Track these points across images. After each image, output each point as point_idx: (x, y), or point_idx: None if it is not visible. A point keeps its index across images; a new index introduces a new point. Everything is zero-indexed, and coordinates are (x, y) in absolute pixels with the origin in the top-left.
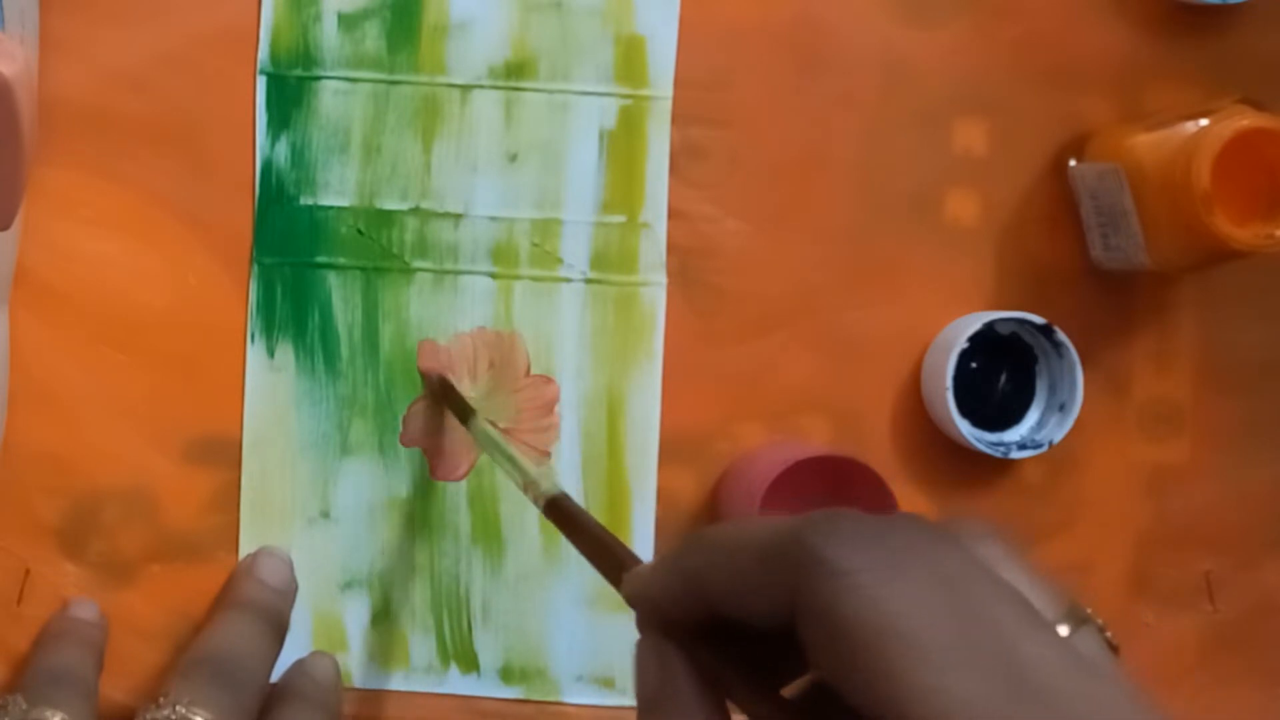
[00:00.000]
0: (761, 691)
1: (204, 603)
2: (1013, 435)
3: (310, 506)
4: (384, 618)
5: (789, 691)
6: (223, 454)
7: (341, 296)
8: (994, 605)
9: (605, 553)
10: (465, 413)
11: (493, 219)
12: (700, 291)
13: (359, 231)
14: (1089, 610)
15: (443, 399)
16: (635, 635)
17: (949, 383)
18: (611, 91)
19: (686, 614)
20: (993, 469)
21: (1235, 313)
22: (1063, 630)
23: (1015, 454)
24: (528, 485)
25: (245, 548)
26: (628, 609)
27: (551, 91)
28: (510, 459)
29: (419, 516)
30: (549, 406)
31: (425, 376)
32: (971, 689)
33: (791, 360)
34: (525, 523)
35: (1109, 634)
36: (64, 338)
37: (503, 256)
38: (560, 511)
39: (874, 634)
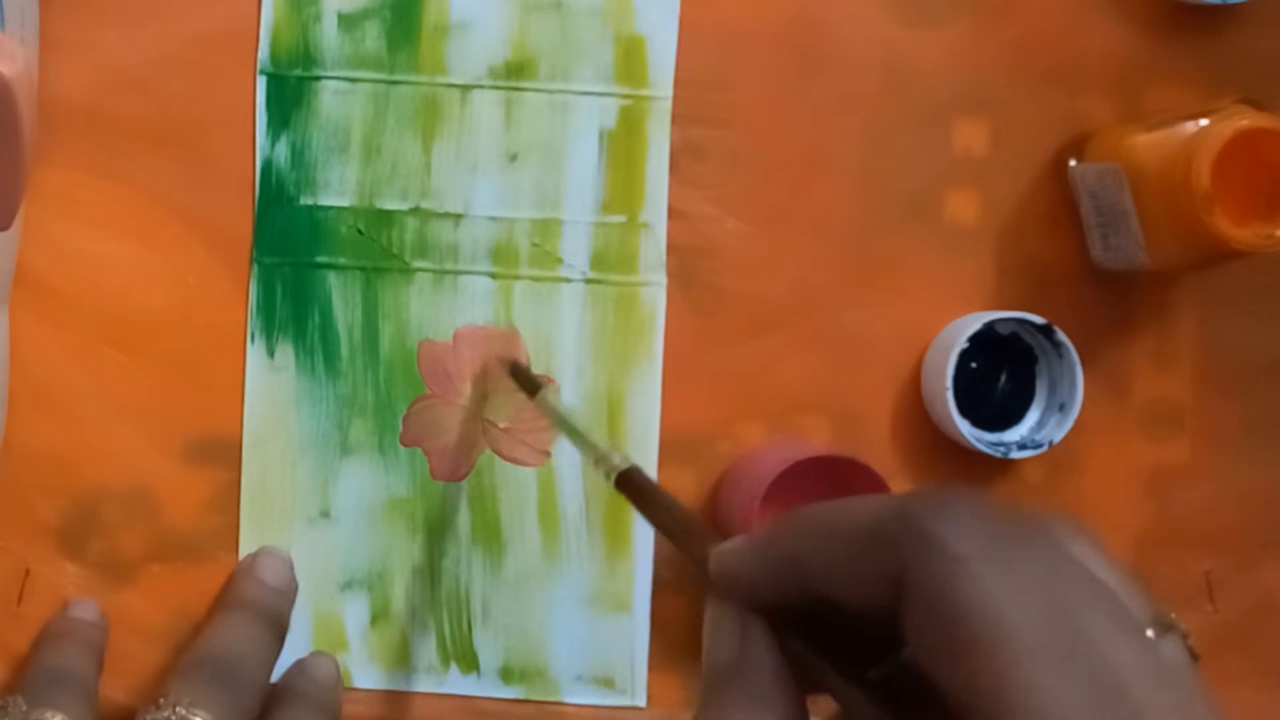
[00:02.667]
0: (850, 674)
1: (204, 603)
2: (1013, 435)
3: (310, 506)
4: (384, 618)
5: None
6: (223, 454)
7: (341, 296)
8: (1091, 606)
9: (682, 527)
10: (534, 385)
11: (493, 219)
12: (700, 291)
13: (359, 231)
14: (1173, 615)
15: (511, 376)
16: (711, 604)
17: (949, 383)
18: (611, 91)
19: (777, 595)
20: (993, 469)
21: (1235, 313)
22: (1149, 633)
23: (1015, 454)
24: (598, 460)
25: (245, 548)
26: (628, 609)
27: (551, 91)
28: (579, 434)
29: (419, 516)
30: None
31: (490, 363)
32: (1068, 692)
33: (791, 360)
34: (525, 523)
35: (1190, 641)
36: (64, 338)
37: (503, 256)
38: (632, 485)
39: (985, 624)
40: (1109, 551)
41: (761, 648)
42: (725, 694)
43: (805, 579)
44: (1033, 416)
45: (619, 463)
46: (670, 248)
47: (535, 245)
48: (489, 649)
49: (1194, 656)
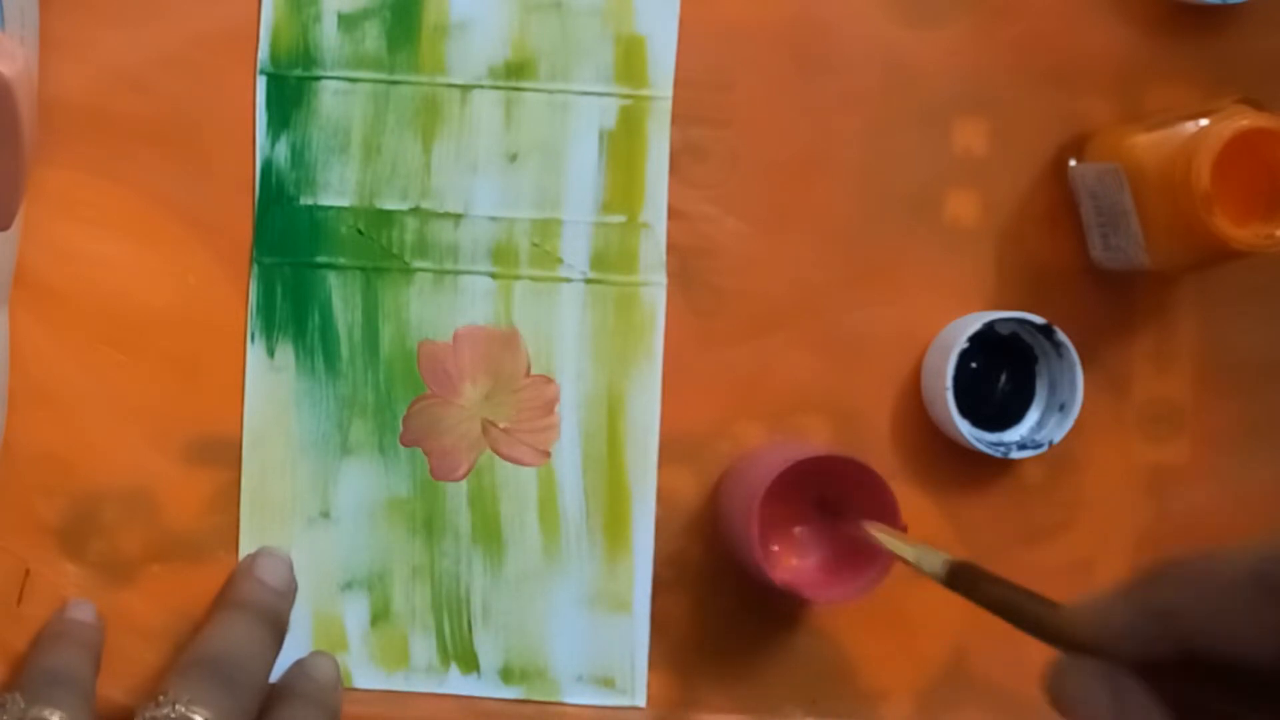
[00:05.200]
0: None
1: (204, 603)
2: (1013, 435)
3: (310, 506)
4: (384, 618)
5: None
6: (223, 454)
7: (341, 296)
8: None
9: (1026, 614)
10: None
11: (493, 219)
12: (700, 291)
13: (359, 231)
14: None
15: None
16: (1067, 662)
17: (949, 383)
18: (611, 91)
19: (1148, 652)
20: (993, 469)
21: (1235, 313)
22: None
23: (1015, 454)
24: (921, 561)
25: (245, 548)
26: (628, 609)
27: (551, 91)
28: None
29: (419, 516)
30: (549, 406)
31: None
32: None
33: (791, 360)
34: (525, 523)
35: None
36: (64, 338)
37: (503, 256)
38: (966, 579)
39: None
40: None
41: (1141, 704)
42: None
43: (1181, 633)
44: (1033, 416)
45: (945, 563)
46: (670, 248)
47: (535, 245)
48: (489, 649)
49: None
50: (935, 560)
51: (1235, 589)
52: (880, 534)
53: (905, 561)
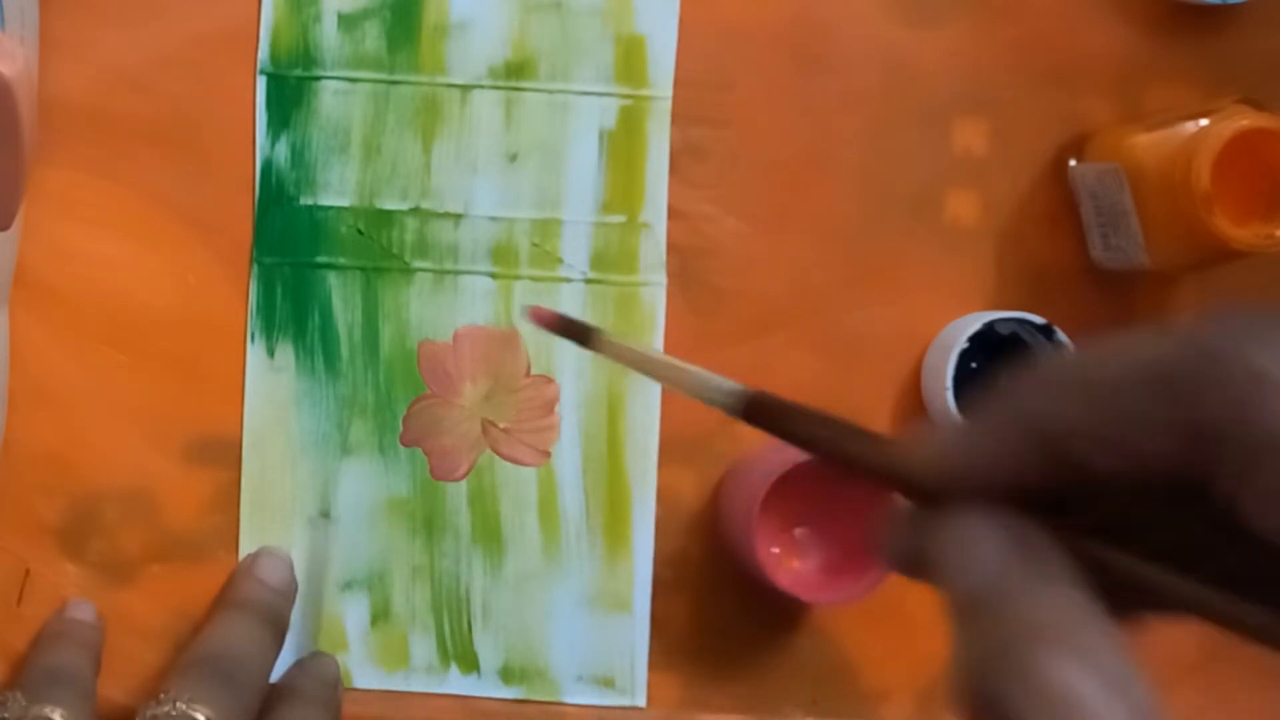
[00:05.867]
0: (1149, 561)
1: (204, 603)
2: None
3: (310, 506)
4: (384, 618)
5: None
6: (223, 454)
7: (341, 296)
8: None
9: (853, 445)
10: (587, 334)
11: (493, 219)
12: (700, 291)
13: (359, 231)
14: None
15: (562, 334)
16: (938, 518)
17: (949, 383)
18: (611, 91)
19: (1016, 478)
20: None
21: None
22: None
23: None
24: (703, 391)
25: (245, 548)
26: (628, 609)
27: (551, 91)
28: (673, 369)
29: (419, 516)
30: (549, 406)
31: (539, 323)
32: None
33: (791, 360)
34: (525, 523)
35: None
36: (64, 338)
37: (503, 256)
38: (765, 412)
39: None
40: None
41: (1047, 551)
42: (1022, 613)
43: (1058, 450)
44: None
45: (734, 387)
46: (670, 248)
47: (535, 245)
48: (489, 649)
49: None
50: (723, 390)
51: (1118, 387)
52: (640, 351)
53: (678, 386)
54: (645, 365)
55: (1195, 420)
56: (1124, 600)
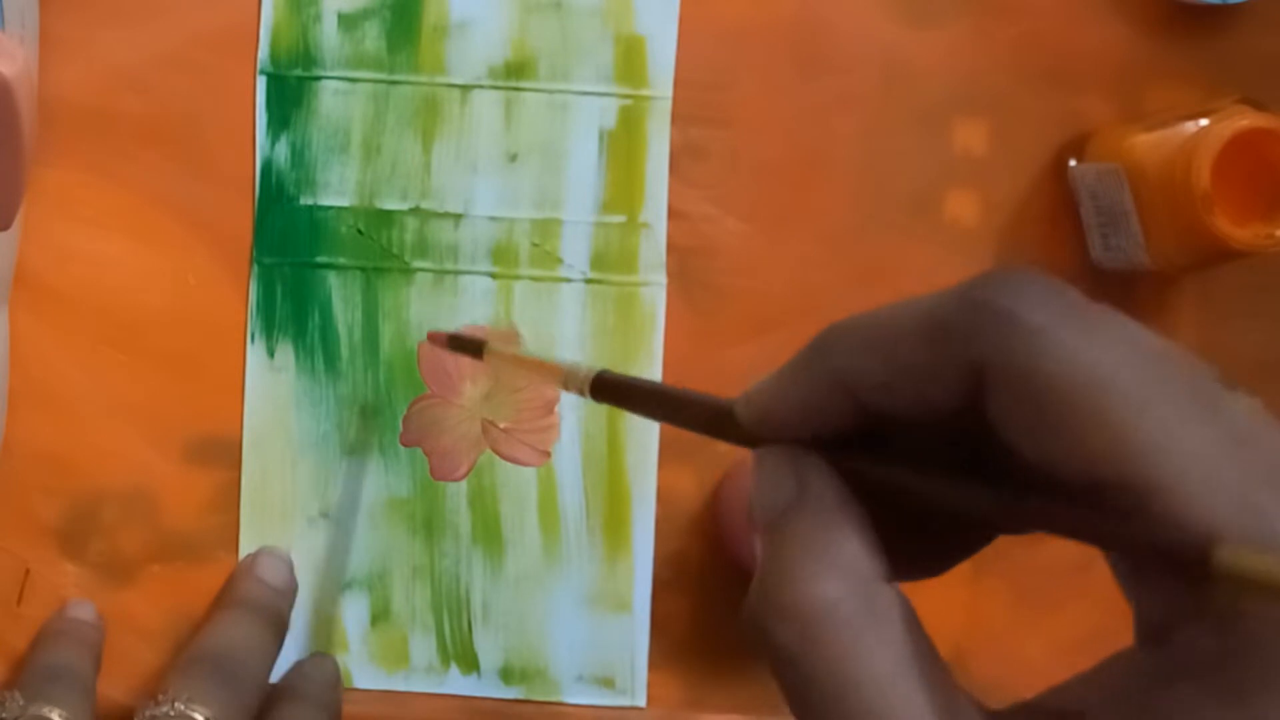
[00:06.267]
0: (938, 480)
1: (204, 603)
2: None
3: (310, 506)
4: (384, 618)
5: None
6: (223, 454)
7: (341, 296)
8: (1184, 358)
9: (684, 405)
10: (478, 347)
11: (493, 219)
12: (700, 291)
13: (359, 231)
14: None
15: (452, 349)
16: (756, 455)
17: None
18: (611, 91)
19: (823, 423)
20: None
21: (1235, 313)
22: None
23: None
24: (569, 381)
25: (245, 548)
26: (628, 609)
27: (551, 91)
28: (538, 366)
29: (419, 516)
30: (549, 406)
31: (436, 345)
32: (1201, 436)
33: None
34: (525, 523)
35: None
36: (64, 338)
37: (503, 256)
38: (609, 387)
39: (1089, 389)
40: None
41: (821, 476)
42: (788, 534)
43: (857, 397)
44: None
45: (586, 372)
46: (670, 248)
47: (535, 245)
48: (489, 649)
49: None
50: (578, 376)
51: (912, 342)
52: (513, 355)
53: (546, 380)
54: (522, 366)
55: (967, 364)
56: (937, 535)
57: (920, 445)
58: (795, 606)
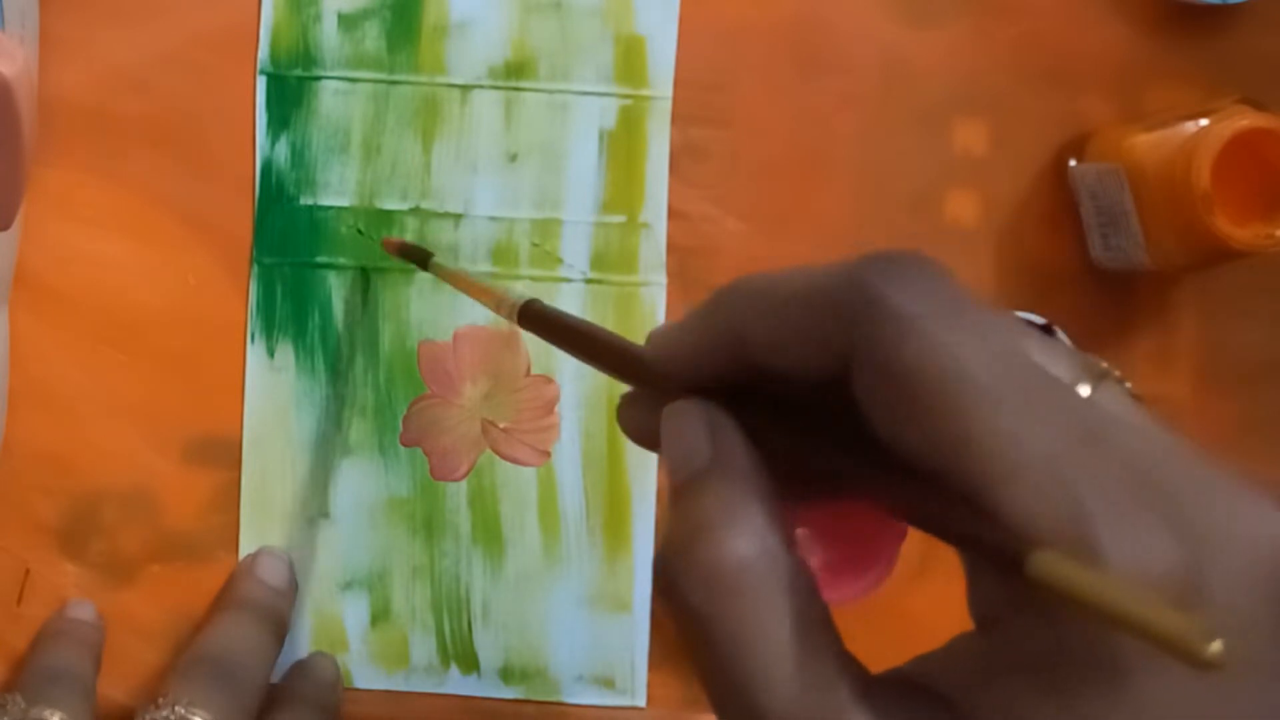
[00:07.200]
0: (822, 446)
1: (204, 603)
2: None
3: (310, 506)
4: (384, 618)
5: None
6: (223, 454)
7: (341, 296)
8: (1043, 354)
9: (599, 344)
10: (424, 257)
11: (493, 219)
12: (700, 291)
13: (359, 231)
14: (1105, 364)
15: (403, 257)
16: (670, 408)
17: None
18: (611, 91)
19: (719, 373)
20: None
21: (1235, 313)
22: (1084, 388)
23: None
24: (500, 305)
25: (245, 548)
26: (628, 609)
27: (551, 91)
28: (476, 287)
29: (419, 516)
30: (549, 406)
31: (388, 250)
32: (1044, 435)
33: None
34: (525, 523)
35: (1129, 386)
36: (64, 338)
37: (503, 256)
38: (534, 316)
39: (943, 380)
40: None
41: (732, 439)
42: (703, 494)
43: (748, 353)
44: None
45: (516, 299)
46: (670, 248)
47: (535, 245)
48: (489, 649)
49: (1138, 399)
50: (507, 302)
51: (795, 309)
52: (455, 272)
53: (480, 302)
54: (462, 285)
55: (842, 340)
56: (819, 488)
57: (811, 404)
58: (708, 564)
